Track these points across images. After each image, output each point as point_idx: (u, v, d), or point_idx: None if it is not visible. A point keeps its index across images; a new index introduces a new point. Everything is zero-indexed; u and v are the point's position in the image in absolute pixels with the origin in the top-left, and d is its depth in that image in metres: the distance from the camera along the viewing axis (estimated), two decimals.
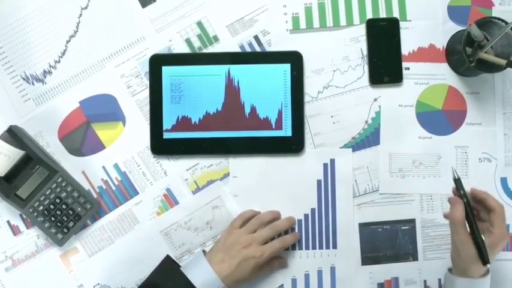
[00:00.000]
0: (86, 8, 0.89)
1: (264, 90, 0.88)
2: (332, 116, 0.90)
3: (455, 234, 0.76)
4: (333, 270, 0.89)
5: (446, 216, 0.80)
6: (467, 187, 0.88)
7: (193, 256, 0.87)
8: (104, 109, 0.89)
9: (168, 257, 0.86)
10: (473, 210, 0.77)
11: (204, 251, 0.86)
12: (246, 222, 0.86)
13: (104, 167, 0.89)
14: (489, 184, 0.90)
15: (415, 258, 0.90)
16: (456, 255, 0.77)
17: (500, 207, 0.76)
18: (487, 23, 0.84)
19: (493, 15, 0.90)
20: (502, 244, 0.76)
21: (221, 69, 0.88)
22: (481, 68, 0.84)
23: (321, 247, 0.89)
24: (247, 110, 0.88)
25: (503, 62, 0.82)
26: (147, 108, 0.89)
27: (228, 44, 0.89)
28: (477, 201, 0.79)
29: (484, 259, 0.74)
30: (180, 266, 0.84)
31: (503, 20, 0.82)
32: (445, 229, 0.90)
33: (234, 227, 0.86)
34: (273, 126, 0.88)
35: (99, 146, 0.89)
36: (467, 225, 0.76)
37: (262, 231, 0.85)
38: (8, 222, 0.88)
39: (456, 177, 0.78)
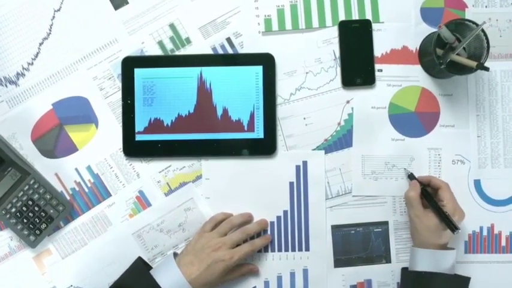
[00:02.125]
0: (58, 10, 0.89)
1: (236, 92, 0.88)
2: (304, 118, 0.90)
3: (410, 209, 0.85)
4: (305, 272, 0.89)
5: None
6: None
7: (163, 259, 0.87)
8: (76, 111, 0.89)
9: (138, 259, 0.86)
10: (430, 193, 0.85)
11: (175, 254, 0.86)
12: (217, 225, 0.86)
13: (76, 169, 0.89)
14: (462, 186, 0.90)
15: (388, 261, 0.90)
16: (414, 230, 0.85)
17: (445, 184, 0.85)
18: (459, 25, 0.84)
19: (466, 17, 0.90)
20: (457, 216, 0.82)
21: (193, 72, 0.88)
22: (452, 70, 0.84)
23: (293, 249, 0.89)
24: (220, 112, 0.88)
25: (474, 63, 0.82)
26: (120, 110, 0.89)
27: (200, 46, 0.90)
28: (427, 186, 0.86)
29: (451, 227, 0.81)
30: (151, 268, 0.84)
31: (473, 22, 0.82)
32: None
33: (205, 230, 0.86)
34: (245, 128, 0.88)
35: (72, 148, 0.89)
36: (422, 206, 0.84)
37: (233, 234, 0.85)
38: None
39: (408, 173, 0.88)
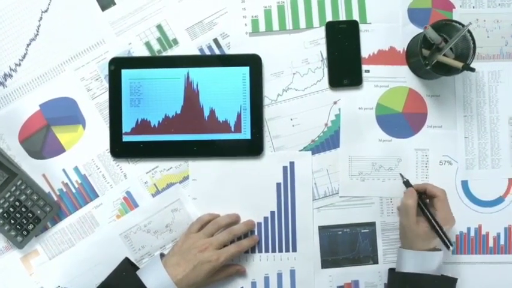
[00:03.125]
0: (46, 11, 0.89)
1: (223, 93, 0.88)
2: (291, 119, 0.90)
3: (405, 218, 0.83)
4: (292, 273, 0.89)
5: (399, 208, 0.88)
6: None
7: (150, 259, 0.87)
8: (64, 112, 0.89)
9: (125, 260, 0.86)
10: (425, 202, 0.84)
11: (162, 254, 0.86)
12: (204, 226, 0.86)
13: (64, 170, 0.89)
14: (450, 187, 0.90)
15: (375, 262, 0.90)
16: (403, 236, 0.86)
17: (442, 192, 0.84)
18: (445, 26, 0.84)
19: (454, 17, 0.90)
20: (448, 226, 0.82)
21: (180, 72, 0.88)
22: (439, 70, 0.84)
23: (280, 250, 0.89)
24: (206, 113, 0.88)
25: (460, 64, 0.82)
26: (107, 111, 0.89)
27: (187, 47, 0.90)
28: (423, 194, 0.86)
29: (446, 243, 0.80)
30: (138, 269, 0.84)
31: (459, 23, 0.82)
32: None
33: (192, 231, 0.86)
34: (232, 129, 0.88)
35: (59, 149, 0.89)
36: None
37: (219, 235, 0.85)
38: None
39: (405, 180, 0.87)
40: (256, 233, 0.89)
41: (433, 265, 0.81)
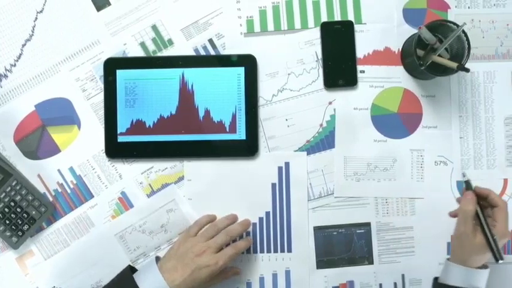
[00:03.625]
0: (41, 11, 0.89)
1: (218, 93, 0.88)
2: (287, 119, 0.90)
3: (462, 225, 0.79)
4: (287, 273, 0.89)
5: (453, 215, 0.84)
6: (424, 191, 0.89)
7: (145, 263, 0.87)
8: (59, 113, 0.89)
9: (127, 267, 0.84)
10: (482, 208, 0.80)
11: (157, 258, 0.85)
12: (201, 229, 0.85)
13: (59, 171, 0.89)
14: (445, 187, 0.90)
15: (371, 262, 0.90)
16: (458, 247, 0.81)
17: (504, 203, 0.79)
18: (440, 26, 0.84)
19: (449, 17, 0.90)
20: (504, 240, 0.79)
21: (175, 73, 0.88)
22: (434, 71, 0.83)
23: (275, 250, 0.89)
24: (201, 114, 0.88)
25: (455, 65, 0.82)
26: (102, 111, 0.89)
27: (182, 48, 0.90)
28: (481, 199, 0.81)
29: (496, 256, 0.77)
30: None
31: (454, 23, 0.82)
32: (400, 233, 0.90)
33: (190, 234, 0.84)
34: (227, 130, 0.88)
35: (54, 150, 0.89)
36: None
37: (217, 237, 0.82)
38: None
39: (466, 180, 0.82)
40: (251, 233, 0.89)
41: (481, 283, 0.79)
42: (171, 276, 0.79)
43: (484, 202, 0.81)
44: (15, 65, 0.89)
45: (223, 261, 0.80)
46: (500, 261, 0.77)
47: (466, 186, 0.82)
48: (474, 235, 0.78)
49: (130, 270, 0.83)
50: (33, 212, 0.87)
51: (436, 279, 0.84)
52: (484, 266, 0.80)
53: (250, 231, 0.89)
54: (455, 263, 0.80)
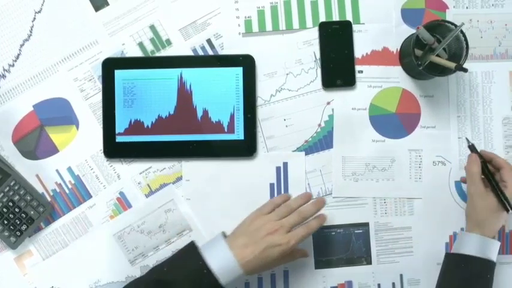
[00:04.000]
0: (39, 11, 0.89)
1: (216, 93, 0.88)
2: (285, 120, 0.90)
3: (472, 186, 0.82)
4: (286, 273, 0.89)
5: (463, 180, 0.88)
6: (422, 191, 0.89)
7: (211, 239, 0.82)
8: (57, 113, 0.89)
9: (191, 242, 0.80)
10: (489, 167, 0.83)
11: (223, 234, 0.81)
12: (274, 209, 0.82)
13: (57, 171, 0.89)
14: (443, 187, 0.90)
15: (369, 262, 0.90)
16: (472, 209, 0.82)
17: (508, 164, 0.82)
18: (439, 26, 0.84)
19: (447, 18, 0.90)
20: None
21: (173, 73, 0.88)
22: (432, 71, 0.83)
23: None
24: (200, 114, 0.88)
25: (453, 65, 0.82)
26: (100, 111, 0.89)
27: (180, 48, 0.90)
28: (487, 162, 0.83)
29: (508, 207, 0.79)
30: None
31: (452, 23, 0.82)
32: (399, 233, 0.90)
33: (263, 212, 0.82)
34: (225, 130, 0.88)
35: (52, 150, 0.89)
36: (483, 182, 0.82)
37: (290, 217, 0.80)
38: None
39: (470, 144, 0.84)
40: None
41: (494, 254, 0.80)
42: (242, 253, 0.77)
43: (491, 167, 0.83)
44: (13, 65, 0.89)
45: (295, 240, 0.78)
46: (510, 211, 0.80)
47: (470, 149, 0.84)
48: (486, 195, 0.80)
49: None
50: (32, 212, 0.87)
51: (448, 253, 0.84)
52: (495, 238, 0.81)
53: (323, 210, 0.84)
54: (471, 232, 0.81)
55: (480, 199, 0.81)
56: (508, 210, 0.80)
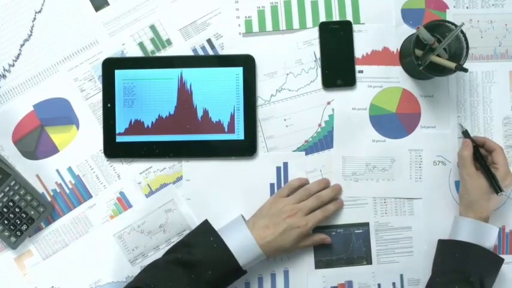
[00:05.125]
0: (39, 11, 0.89)
1: (217, 93, 0.88)
2: (285, 120, 0.90)
3: (463, 169, 0.85)
4: (286, 273, 0.89)
5: (458, 164, 0.89)
6: (422, 191, 0.89)
7: (230, 221, 0.85)
8: (57, 113, 0.89)
9: (206, 221, 0.85)
10: (480, 151, 0.86)
11: (242, 216, 0.85)
12: (293, 192, 0.86)
13: (57, 171, 0.89)
14: (443, 187, 0.90)
15: (369, 262, 0.90)
16: (464, 190, 0.85)
17: (499, 147, 0.85)
18: (439, 26, 0.84)
19: (447, 17, 0.90)
20: (509, 182, 0.83)
21: (174, 73, 0.88)
22: (432, 71, 0.83)
23: None
24: (200, 114, 0.88)
25: (453, 65, 0.82)
26: (101, 111, 0.89)
27: (180, 48, 0.90)
28: (480, 147, 0.86)
29: (496, 187, 0.82)
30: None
31: (453, 23, 0.82)
32: (399, 233, 0.90)
33: (281, 195, 0.86)
34: (226, 130, 0.88)
35: (53, 150, 0.89)
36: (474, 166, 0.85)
37: (308, 201, 0.85)
38: None
39: (463, 130, 0.88)
40: None
41: (490, 240, 0.82)
42: (262, 233, 0.81)
43: (483, 150, 0.86)
44: (13, 65, 0.89)
45: (312, 223, 0.83)
46: (500, 194, 0.82)
47: (464, 135, 0.87)
48: (478, 176, 0.83)
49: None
50: (32, 212, 0.87)
51: (441, 240, 0.86)
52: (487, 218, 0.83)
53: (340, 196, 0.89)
54: (464, 216, 0.83)
55: (471, 180, 0.83)
56: (497, 192, 0.82)
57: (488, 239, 0.82)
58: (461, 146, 0.87)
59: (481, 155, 0.85)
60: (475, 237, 0.82)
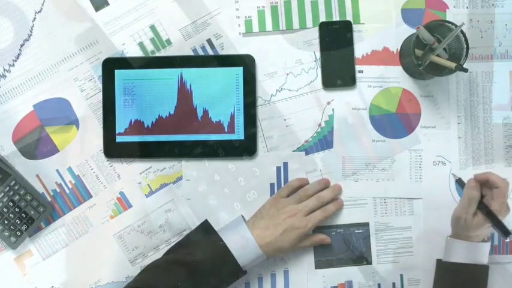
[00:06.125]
0: (39, 11, 0.89)
1: (217, 93, 0.88)
2: (285, 119, 0.90)
3: (466, 208, 0.80)
4: (286, 273, 0.89)
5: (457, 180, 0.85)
6: (422, 191, 0.89)
7: (231, 221, 0.86)
8: (57, 113, 0.89)
9: (206, 221, 0.85)
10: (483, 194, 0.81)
11: (243, 217, 0.86)
12: (292, 192, 0.86)
13: (57, 171, 0.89)
14: (443, 187, 0.90)
15: (369, 262, 0.90)
16: (457, 226, 0.82)
17: (505, 183, 0.80)
18: (439, 26, 0.84)
19: (447, 17, 0.90)
20: (504, 213, 0.79)
21: (174, 73, 0.88)
22: (432, 71, 0.83)
23: None
24: (200, 114, 0.88)
25: (453, 65, 0.82)
26: (101, 111, 0.89)
27: (180, 48, 0.90)
28: (483, 185, 0.82)
29: (502, 233, 0.79)
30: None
31: (452, 23, 0.82)
32: (399, 233, 0.90)
33: (281, 195, 0.86)
34: (226, 130, 0.88)
35: (53, 150, 0.89)
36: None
37: (308, 201, 0.85)
38: None
39: (457, 178, 0.85)
40: None
41: (484, 257, 0.81)
42: (262, 234, 0.81)
43: (485, 187, 0.81)
44: (13, 65, 0.89)
45: (312, 223, 0.83)
46: (509, 237, 0.79)
47: (460, 185, 0.84)
48: (476, 215, 0.79)
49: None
50: (32, 212, 0.87)
51: (439, 260, 0.85)
52: (484, 241, 0.82)
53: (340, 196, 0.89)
54: (457, 239, 0.82)
55: (469, 220, 0.79)
56: (505, 237, 0.79)
57: (482, 255, 0.81)
58: (468, 184, 0.81)
59: (482, 197, 0.81)
60: (467, 257, 0.81)
